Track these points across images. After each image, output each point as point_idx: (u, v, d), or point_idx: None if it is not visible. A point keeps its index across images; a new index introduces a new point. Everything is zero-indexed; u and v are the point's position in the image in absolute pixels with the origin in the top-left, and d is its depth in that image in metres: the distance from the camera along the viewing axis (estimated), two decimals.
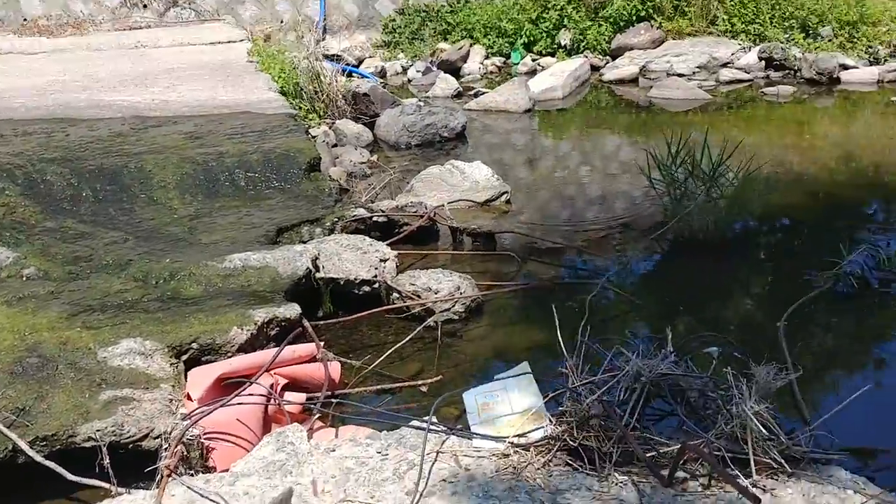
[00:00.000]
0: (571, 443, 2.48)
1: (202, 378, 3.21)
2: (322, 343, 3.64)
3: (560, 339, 3.00)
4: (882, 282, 4.32)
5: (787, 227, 5.51)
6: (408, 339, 3.86)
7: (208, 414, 2.97)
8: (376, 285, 4.27)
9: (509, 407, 2.73)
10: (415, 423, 2.76)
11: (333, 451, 2.67)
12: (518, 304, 4.38)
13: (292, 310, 3.70)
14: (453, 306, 4.12)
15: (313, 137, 7.50)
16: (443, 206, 5.32)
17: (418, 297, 4.18)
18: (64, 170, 5.29)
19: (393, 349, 3.79)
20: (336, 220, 4.86)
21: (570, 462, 2.50)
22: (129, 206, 5.06)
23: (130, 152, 5.61)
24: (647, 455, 2.40)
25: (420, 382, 3.49)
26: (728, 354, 2.84)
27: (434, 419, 2.81)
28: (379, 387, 3.47)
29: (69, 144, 5.80)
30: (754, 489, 2.33)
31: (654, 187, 5.30)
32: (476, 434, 2.64)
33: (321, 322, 4.01)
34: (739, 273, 4.66)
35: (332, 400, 3.24)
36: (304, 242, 4.59)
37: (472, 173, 6.00)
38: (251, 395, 3.09)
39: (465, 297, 4.14)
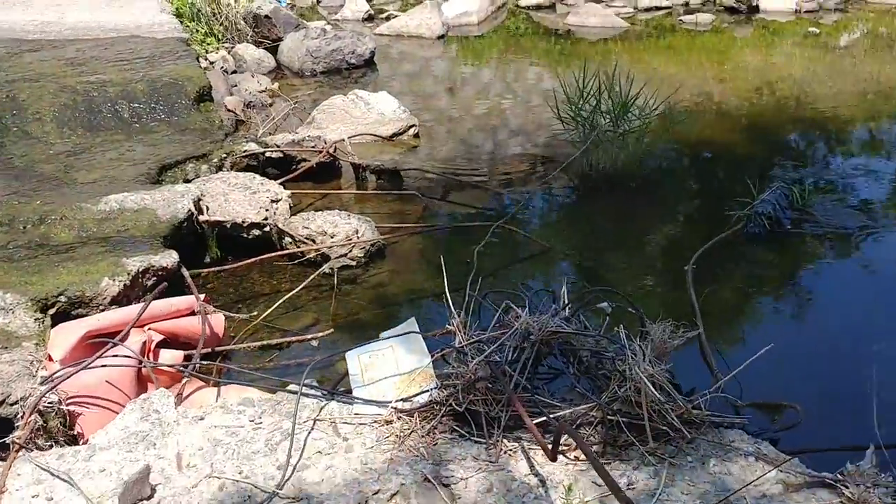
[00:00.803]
0: (457, 407, 2.30)
1: (66, 336, 2.91)
2: (204, 294, 3.37)
3: (447, 293, 2.79)
4: (794, 221, 4.24)
5: (699, 164, 5.39)
6: (300, 287, 3.61)
7: (68, 378, 2.69)
8: (267, 229, 4.00)
9: (395, 367, 2.53)
10: (292, 387, 2.53)
11: (202, 419, 2.44)
12: (421, 247, 4.16)
13: (169, 257, 3.41)
14: (350, 251, 3.88)
15: (211, 63, 7.05)
16: (344, 140, 5.03)
17: (313, 241, 3.93)
18: None
19: (284, 299, 3.54)
20: (225, 155, 4.53)
21: (457, 428, 2.32)
22: (0, 140, 4.63)
23: (2, 80, 5.13)
24: (536, 422, 2.24)
25: (310, 336, 3.26)
26: (623, 310, 2.68)
27: (314, 382, 2.59)
28: (264, 342, 3.23)
29: None
30: (651, 457, 2.20)
31: (563, 124, 5.10)
32: (357, 399, 2.44)
33: (206, 270, 3.74)
34: (647, 213, 4.52)
35: (206, 361, 2.97)
36: (189, 181, 4.26)
37: (378, 104, 5.71)
38: (117, 355, 2.82)
39: (362, 242, 3.90)
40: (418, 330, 2.62)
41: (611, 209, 4.56)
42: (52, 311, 3.11)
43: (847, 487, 2.04)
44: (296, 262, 3.90)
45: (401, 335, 2.60)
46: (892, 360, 3.05)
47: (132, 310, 3.11)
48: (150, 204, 3.78)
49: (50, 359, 2.81)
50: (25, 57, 5.69)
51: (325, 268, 3.80)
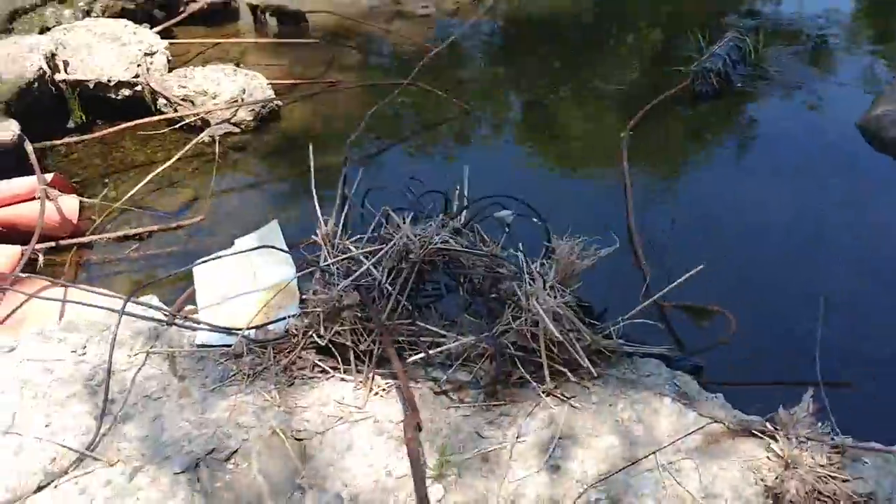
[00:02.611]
0: (319, 340, 1.88)
1: None
2: (54, 174, 2.85)
3: (315, 193, 2.29)
4: (745, 79, 3.75)
5: (644, 4, 4.79)
6: (172, 161, 3.10)
7: None
8: (139, 88, 3.42)
9: (252, 282, 2.08)
10: (136, 308, 2.06)
11: (13, 350, 1.99)
12: (322, 109, 3.61)
13: (8, 129, 2.86)
14: (234, 115, 3.34)
15: None
16: None
17: (192, 103, 3.37)
18: None
19: (154, 174, 3.03)
20: None
21: (320, 363, 1.91)
22: None
23: None
24: (416, 357, 1.83)
25: (175, 225, 2.78)
26: (529, 218, 2.21)
27: (154, 300, 2.14)
28: (122, 233, 2.75)
29: None
30: (549, 398, 1.82)
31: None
32: (201, 325, 2.00)
33: (60, 142, 3.18)
34: (581, 64, 3.96)
35: (31, 280, 2.49)
36: (48, 30, 3.61)
37: None
38: None
39: (249, 104, 3.35)
40: (281, 235, 2.16)
41: (541, 60, 4.00)
42: None
43: (776, 440, 1.70)
44: (175, 126, 3.36)
45: (260, 247, 2.13)
46: (845, 266, 2.64)
47: None
48: None
49: None
50: None
51: (204, 135, 3.27)
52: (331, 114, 3.56)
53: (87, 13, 3.78)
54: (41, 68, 3.18)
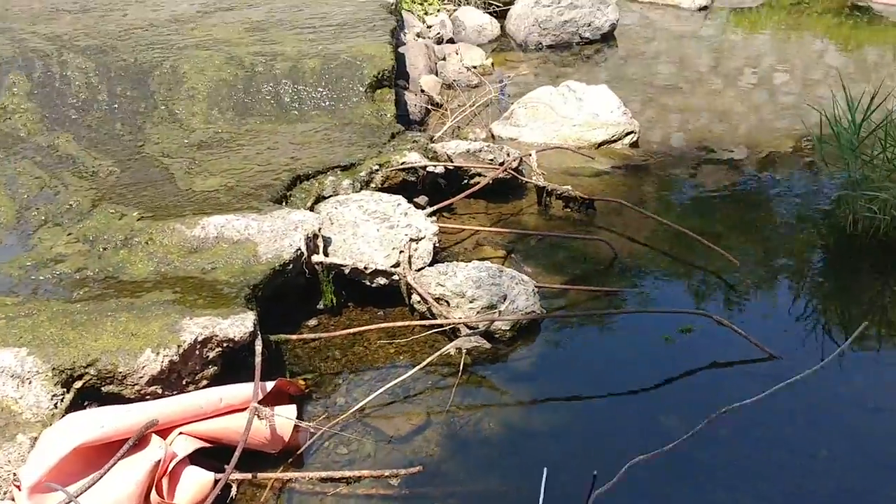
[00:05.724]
0: None
1: (51, 449, 2.17)
2: (276, 380, 2.56)
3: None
4: None
5: None
6: (412, 372, 2.71)
7: None
8: (395, 278, 3.09)
9: None
10: None
11: None
12: (589, 333, 3.08)
13: (242, 325, 2.58)
14: (489, 326, 2.90)
15: (428, 27, 6.21)
16: (531, 155, 3.97)
17: (447, 304, 2.98)
18: (90, 64, 4.33)
19: (391, 385, 2.66)
20: (376, 168, 3.62)
21: None
22: (142, 120, 4.06)
23: (175, 45, 4.57)
24: None
25: (388, 473, 2.34)
26: None
27: None
28: (325, 473, 2.35)
29: (115, 30, 4.83)
30: None
31: (825, 164, 3.70)
32: None
33: (296, 337, 2.91)
34: None
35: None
36: (323, 199, 3.44)
37: (592, 101, 4.57)
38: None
39: (507, 318, 2.89)
40: None
41: (873, 301, 3.16)
42: (77, 386, 2.42)
43: None
44: (432, 330, 2.98)
45: None
46: None
47: (157, 407, 2.36)
48: (254, 234, 3.00)
49: (18, 486, 2.10)
50: (213, 17, 5.13)
51: (451, 347, 2.86)
52: (595, 345, 3.03)
53: (367, 183, 3.57)
54: (299, 249, 2.96)
